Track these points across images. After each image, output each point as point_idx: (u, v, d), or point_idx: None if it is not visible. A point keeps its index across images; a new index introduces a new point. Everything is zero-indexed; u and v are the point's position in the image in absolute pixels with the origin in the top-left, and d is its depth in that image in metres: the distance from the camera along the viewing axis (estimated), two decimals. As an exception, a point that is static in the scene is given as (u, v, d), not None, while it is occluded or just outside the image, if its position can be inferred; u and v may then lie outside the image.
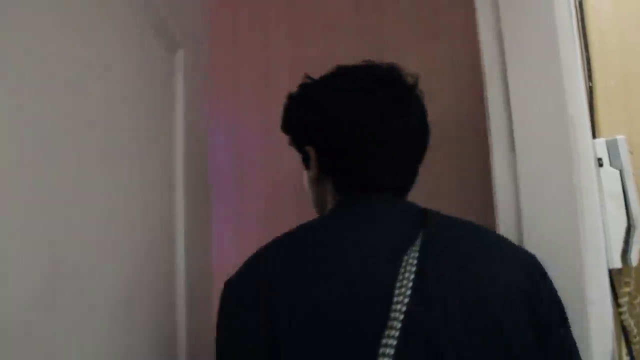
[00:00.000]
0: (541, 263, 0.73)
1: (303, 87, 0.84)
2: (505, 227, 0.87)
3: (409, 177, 0.82)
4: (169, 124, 0.90)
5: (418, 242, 0.65)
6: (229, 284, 0.70)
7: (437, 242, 0.67)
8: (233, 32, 1.81)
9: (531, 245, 0.81)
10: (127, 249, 0.69)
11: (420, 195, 0.85)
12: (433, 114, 0.83)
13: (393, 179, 0.78)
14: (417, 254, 0.63)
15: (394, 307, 0.59)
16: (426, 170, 0.85)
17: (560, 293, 0.72)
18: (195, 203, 0.98)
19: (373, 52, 0.87)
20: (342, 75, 0.81)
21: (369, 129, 0.75)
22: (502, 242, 0.75)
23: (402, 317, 0.58)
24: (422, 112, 0.81)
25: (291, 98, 0.85)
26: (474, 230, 0.73)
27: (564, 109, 0.82)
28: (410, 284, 0.60)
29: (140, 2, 0.77)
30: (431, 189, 1.15)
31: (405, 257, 0.63)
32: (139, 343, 0.72)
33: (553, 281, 0.72)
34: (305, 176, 0.87)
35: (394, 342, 0.56)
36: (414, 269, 0.61)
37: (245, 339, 0.64)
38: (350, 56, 0.84)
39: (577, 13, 0.99)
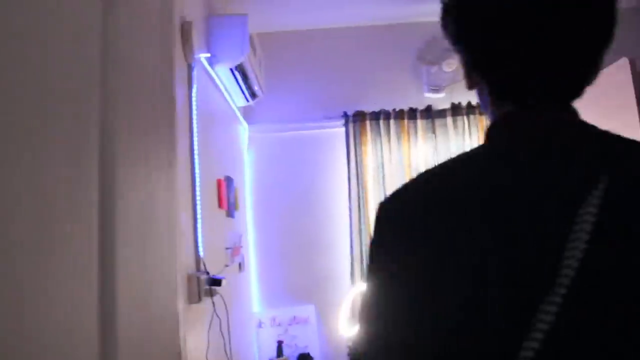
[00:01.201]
0: None
1: None
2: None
3: (583, 76, 0.64)
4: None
5: (599, 190, 0.54)
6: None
7: (625, 188, 0.54)
8: None
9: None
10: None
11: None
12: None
13: (560, 79, 0.63)
14: (595, 209, 0.53)
15: (563, 272, 0.51)
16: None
17: None
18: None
19: None
20: None
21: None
22: None
23: (567, 282, 0.51)
24: None
25: None
26: None
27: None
28: (583, 246, 0.51)
29: None
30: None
31: (581, 211, 0.53)
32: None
33: None
34: None
35: (553, 315, 0.50)
36: (589, 227, 0.52)
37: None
38: None
39: None
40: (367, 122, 3.51)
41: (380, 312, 0.62)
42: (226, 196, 2.72)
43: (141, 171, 1.23)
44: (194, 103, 2.13)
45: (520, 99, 0.64)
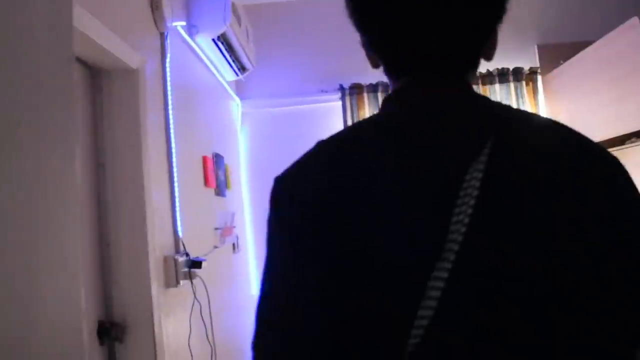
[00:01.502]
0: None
1: None
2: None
3: (474, 49, 0.65)
4: None
5: (483, 157, 0.56)
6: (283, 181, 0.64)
7: (508, 154, 0.57)
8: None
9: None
10: None
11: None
12: None
13: (450, 52, 0.63)
14: (480, 174, 0.55)
15: (450, 236, 0.53)
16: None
17: None
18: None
19: None
20: None
21: None
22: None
23: (457, 247, 0.52)
24: None
25: None
26: (555, 131, 0.62)
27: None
28: (470, 211, 0.53)
29: None
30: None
31: (467, 177, 0.55)
32: None
33: None
34: None
35: (443, 281, 0.52)
36: (475, 192, 0.54)
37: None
38: None
39: None
40: (365, 95, 3.36)
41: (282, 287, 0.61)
42: (214, 174, 2.60)
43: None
44: (168, 74, 2.00)
45: (411, 74, 0.65)
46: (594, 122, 2.71)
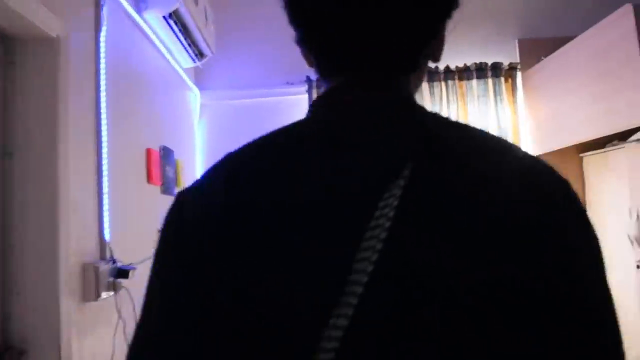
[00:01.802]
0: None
1: None
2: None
3: (414, 50, 0.58)
4: None
5: (400, 183, 0.49)
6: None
7: (429, 181, 0.50)
8: None
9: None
10: None
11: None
12: None
13: (384, 53, 0.57)
14: (395, 203, 0.48)
15: (352, 277, 0.46)
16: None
17: None
18: None
19: None
20: None
21: None
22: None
23: (359, 290, 0.45)
24: None
25: None
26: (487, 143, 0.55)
27: None
28: (380, 246, 0.46)
29: None
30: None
31: (378, 209, 0.48)
32: None
33: None
34: None
35: (345, 323, 0.45)
36: (386, 226, 0.47)
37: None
38: None
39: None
40: None
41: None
42: (160, 169, 2.32)
43: None
44: (102, 51, 1.72)
45: (345, 74, 0.59)
46: (577, 121, 2.51)
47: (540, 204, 0.49)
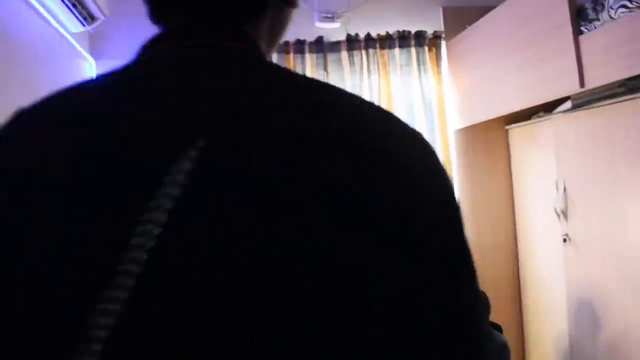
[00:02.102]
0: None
1: None
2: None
3: None
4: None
5: (191, 155, 0.42)
6: None
7: (224, 153, 0.42)
8: None
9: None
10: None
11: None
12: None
13: None
14: (181, 179, 0.41)
15: (124, 267, 0.40)
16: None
17: None
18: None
19: None
20: None
21: None
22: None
23: (131, 282, 0.39)
24: None
25: None
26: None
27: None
28: (157, 231, 0.40)
29: None
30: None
31: (161, 187, 0.41)
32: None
33: None
34: None
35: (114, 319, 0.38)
36: (167, 206, 0.40)
37: None
38: None
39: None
40: (292, 56, 2.91)
41: None
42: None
43: None
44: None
45: (173, 18, 0.53)
46: (503, 92, 2.41)
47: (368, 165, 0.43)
